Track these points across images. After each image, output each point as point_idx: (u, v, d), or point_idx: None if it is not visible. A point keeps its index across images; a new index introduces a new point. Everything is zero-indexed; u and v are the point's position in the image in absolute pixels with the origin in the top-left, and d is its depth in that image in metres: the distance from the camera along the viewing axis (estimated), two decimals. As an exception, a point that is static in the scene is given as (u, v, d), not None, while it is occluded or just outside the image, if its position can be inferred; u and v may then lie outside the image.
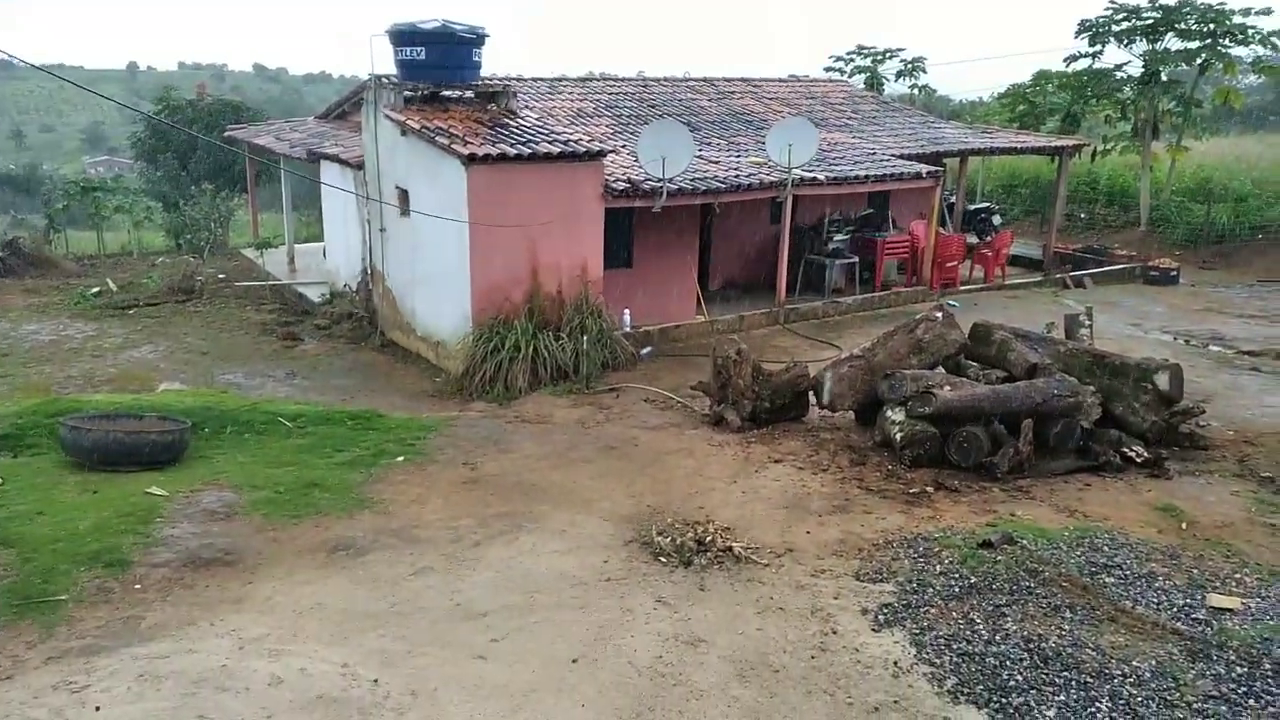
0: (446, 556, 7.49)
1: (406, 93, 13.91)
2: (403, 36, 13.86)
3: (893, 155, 17.96)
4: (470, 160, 12.15)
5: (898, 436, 9.43)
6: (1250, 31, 22.57)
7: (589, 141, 14.01)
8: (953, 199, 20.65)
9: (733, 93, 20.95)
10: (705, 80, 21.44)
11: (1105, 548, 7.47)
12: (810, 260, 17.68)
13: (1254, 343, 14.44)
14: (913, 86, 30.60)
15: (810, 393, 10.73)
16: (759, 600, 6.78)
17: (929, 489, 8.77)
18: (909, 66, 29.86)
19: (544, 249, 12.94)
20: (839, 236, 17.75)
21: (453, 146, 12.38)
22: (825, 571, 7.22)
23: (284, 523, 8.04)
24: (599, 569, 7.25)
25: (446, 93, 14.26)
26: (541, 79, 19.11)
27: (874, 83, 29.49)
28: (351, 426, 10.38)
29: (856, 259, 17.80)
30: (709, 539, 7.55)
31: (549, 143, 13.01)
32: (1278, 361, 13.36)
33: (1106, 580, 6.96)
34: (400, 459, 9.53)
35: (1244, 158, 26.69)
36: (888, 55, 29.77)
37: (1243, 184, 23.52)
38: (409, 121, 13.30)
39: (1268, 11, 22.43)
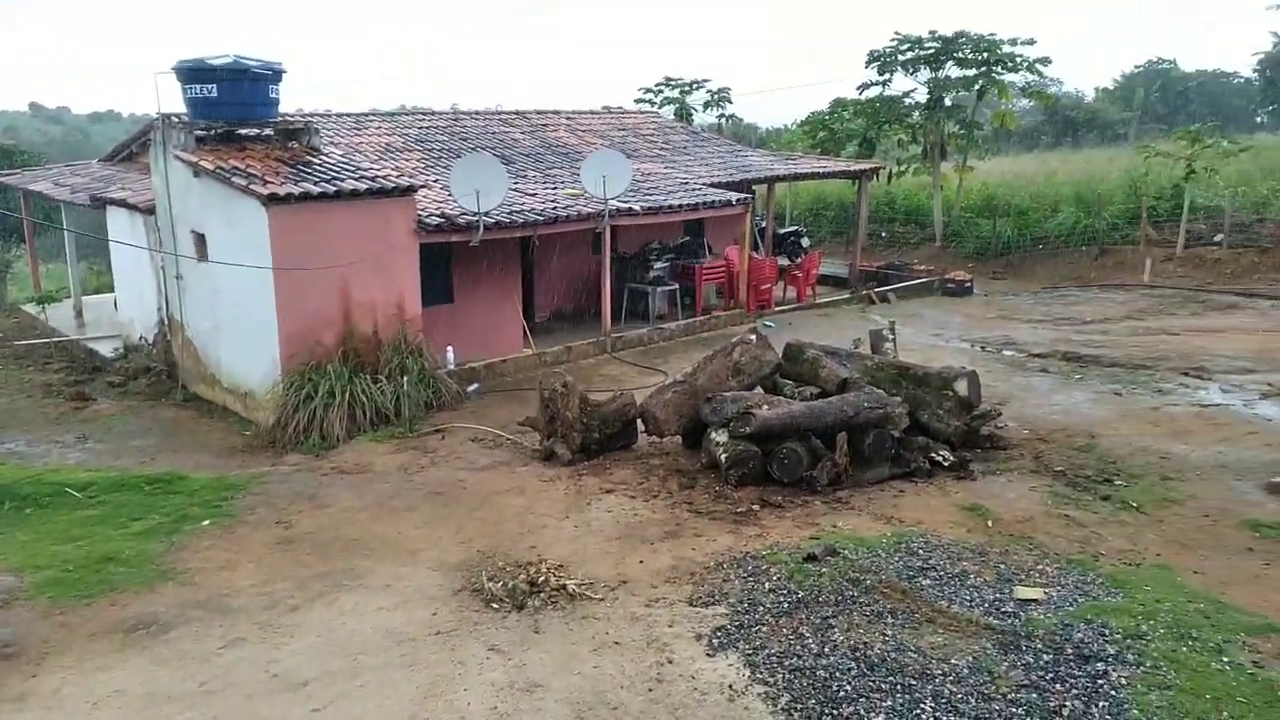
0: (261, 625, 7.00)
1: (198, 132, 13.16)
2: (192, 73, 13.11)
3: (705, 184, 18.46)
4: (271, 200, 11.58)
5: (723, 457, 9.58)
6: (1019, 59, 24.79)
7: (399, 177, 13.66)
8: (764, 223, 21.41)
9: (546, 125, 21.01)
10: (518, 113, 21.42)
11: (921, 551, 7.81)
12: (633, 288, 17.89)
13: (1042, 346, 15.60)
14: (720, 116, 31.68)
15: (639, 420, 10.77)
16: (594, 637, 6.67)
17: (755, 507, 8.93)
18: (715, 97, 30.91)
19: (357, 288, 12.48)
20: (659, 264, 18.05)
21: (251, 187, 11.77)
22: (659, 600, 7.20)
23: (74, 604, 7.30)
24: (428, 622, 6.95)
25: (243, 131, 13.58)
26: (348, 114, 18.55)
27: (683, 113, 30.33)
28: (150, 491, 9.60)
29: (677, 285, 18.15)
30: (542, 579, 7.39)
31: (355, 179, 12.59)
32: (1063, 362, 14.47)
33: (923, 583, 7.26)
34: (206, 523, 8.87)
35: (1022, 175, 29.09)
36: (694, 86, 30.72)
37: (1022, 199, 25.59)
38: (202, 162, 12.57)
39: (1032, 42, 24.69)
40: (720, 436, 9.78)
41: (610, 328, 16.03)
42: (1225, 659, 6.20)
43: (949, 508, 8.88)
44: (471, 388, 13.44)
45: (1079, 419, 11.50)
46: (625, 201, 15.80)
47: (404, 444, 11.27)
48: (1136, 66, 60.54)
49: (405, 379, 12.09)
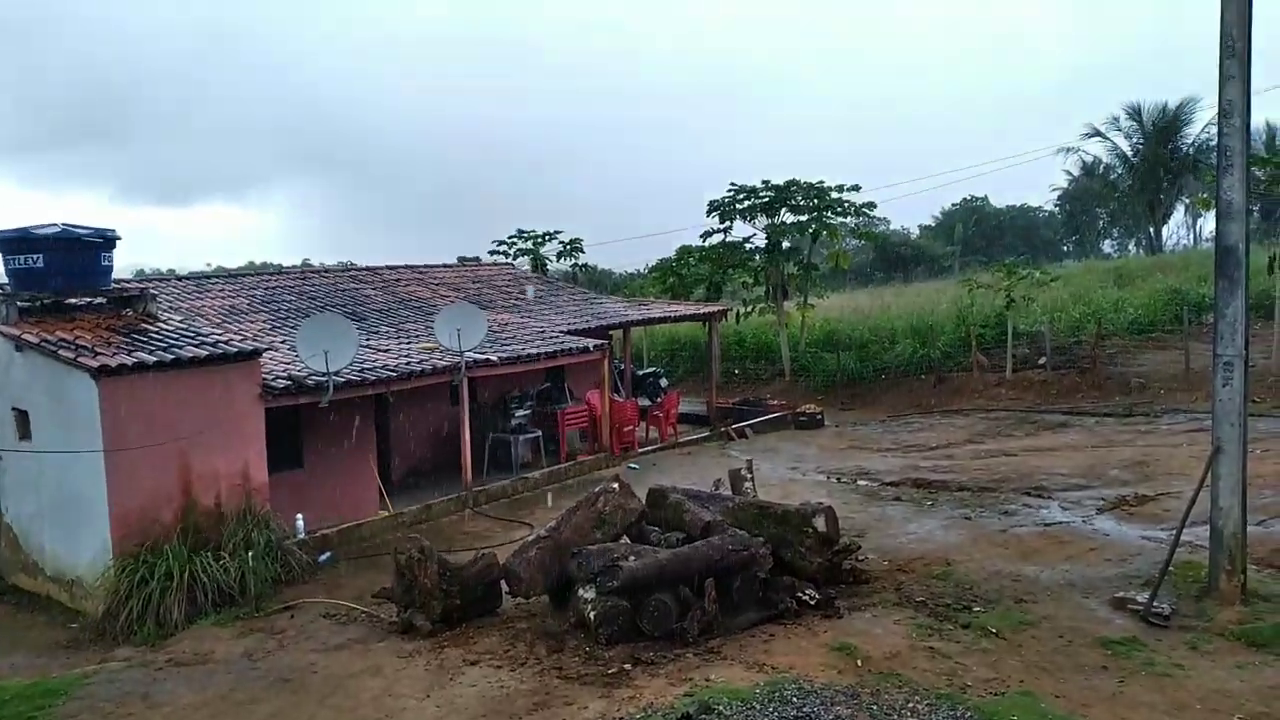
0: None
1: (22, 304, 12.48)
2: (14, 244, 12.53)
3: (562, 331, 18.67)
4: (101, 372, 10.97)
5: (592, 615, 9.31)
6: (846, 204, 26.64)
7: (243, 340, 13.23)
8: (622, 366, 21.74)
9: (399, 280, 20.96)
10: (369, 270, 21.34)
11: (795, 699, 7.69)
12: (496, 438, 17.66)
13: (893, 474, 16.14)
14: (574, 265, 32.45)
15: (502, 581, 10.41)
16: (461, 831, 6.19)
17: (627, 666, 8.65)
18: (568, 247, 31.71)
19: (198, 459, 11.81)
20: (520, 412, 17.94)
21: (80, 359, 11.14)
22: (530, 781, 6.78)
23: None
24: (274, 832, 6.30)
25: (72, 300, 12.95)
26: (189, 278, 18.04)
27: (538, 264, 30.91)
28: (-50, 707, 8.53)
29: (540, 433, 18.03)
30: (401, 769, 6.87)
31: (195, 346, 12.10)
32: (915, 489, 14.99)
33: (800, 734, 7.12)
34: (18, 738, 7.92)
35: (859, 309, 30.75)
36: (547, 237, 31.47)
37: (862, 333, 26.99)
38: (25, 335, 11.86)
39: (857, 188, 26.62)
40: (588, 593, 9.54)
41: (471, 481, 15.66)
42: (1094, 786, 6.27)
43: (819, 649, 8.85)
44: (323, 557, 12.75)
45: (934, 546, 11.83)
46: (482, 352, 15.75)
47: (250, 625, 10.49)
48: (953, 204, 66.04)
49: (250, 553, 11.37)
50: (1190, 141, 45.97)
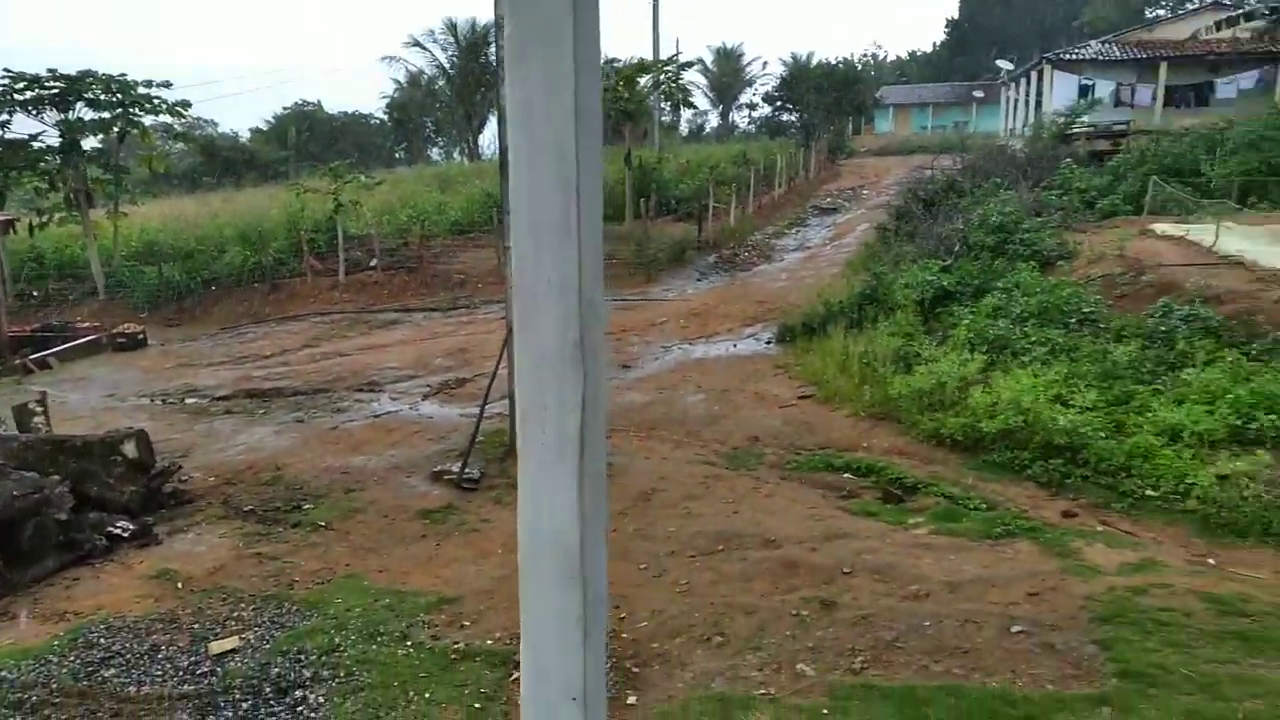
0: None
1: None
2: None
3: None
4: None
5: None
6: (158, 101, 24.05)
7: None
8: None
9: None
10: None
11: (102, 640, 6.99)
12: None
13: (225, 388, 15.38)
14: None
15: None
16: None
17: (-125, 658, 7.01)
18: None
19: None
20: None
21: None
22: None
23: None
24: None
25: None
26: None
27: None
28: None
29: None
30: None
31: None
32: (247, 400, 14.48)
33: (107, 674, 6.50)
34: None
35: (184, 217, 28.39)
36: None
37: (188, 243, 24.98)
38: None
39: (168, 84, 24.12)
40: None
41: None
42: (410, 643, 6.81)
43: (135, 582, 8.14)
44: None
45: (265, 454, 11.60)
46: None
47: None
48: (285, 108, 64.03)
49: None
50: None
